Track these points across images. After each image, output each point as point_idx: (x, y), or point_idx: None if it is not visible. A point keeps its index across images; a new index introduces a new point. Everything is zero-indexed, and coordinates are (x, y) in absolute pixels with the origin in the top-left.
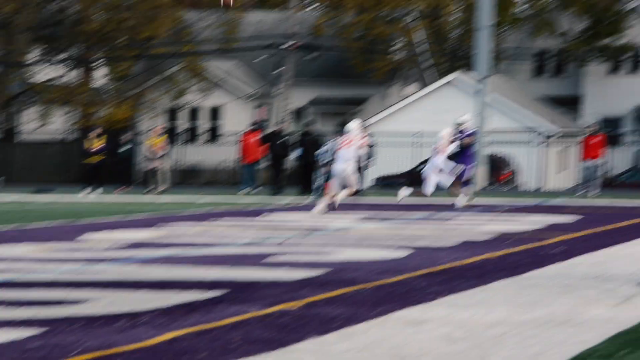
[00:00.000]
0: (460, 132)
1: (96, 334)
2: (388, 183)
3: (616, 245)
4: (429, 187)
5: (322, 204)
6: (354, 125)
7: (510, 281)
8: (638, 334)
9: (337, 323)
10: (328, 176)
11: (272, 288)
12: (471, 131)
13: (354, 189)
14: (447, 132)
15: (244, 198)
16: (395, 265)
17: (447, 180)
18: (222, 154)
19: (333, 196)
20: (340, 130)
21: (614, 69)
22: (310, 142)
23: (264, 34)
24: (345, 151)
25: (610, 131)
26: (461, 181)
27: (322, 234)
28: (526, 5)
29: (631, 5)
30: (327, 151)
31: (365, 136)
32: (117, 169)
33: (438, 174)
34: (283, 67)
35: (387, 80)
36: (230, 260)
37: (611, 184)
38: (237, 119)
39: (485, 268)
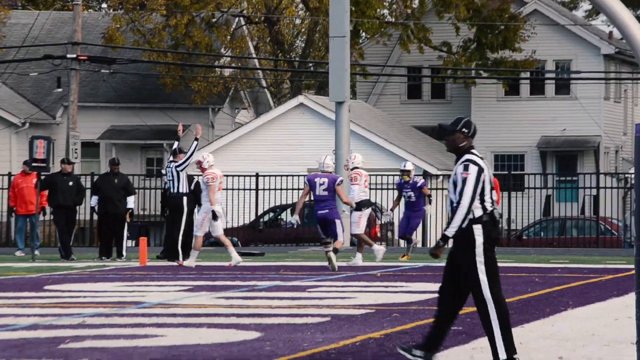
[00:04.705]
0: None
1: None
2: (217, 240)
3: (531, 323)
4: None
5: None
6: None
7: None
8: None
9: None
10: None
11: None
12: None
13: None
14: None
15: (20, 263)
16: (244, 350)
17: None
18: None
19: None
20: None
21: (511, 92)
22: (117, 187)
23: (37, 41)
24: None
25: (507, 173)
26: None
27: (138, 310)
28: (394, 6)
29: (529, 8)
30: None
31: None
32: None
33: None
34: (62, 89)
35: (210, 104)
36: (13, 350)
37: (516, 241)
38: (0, 156)
39: (364, 353)
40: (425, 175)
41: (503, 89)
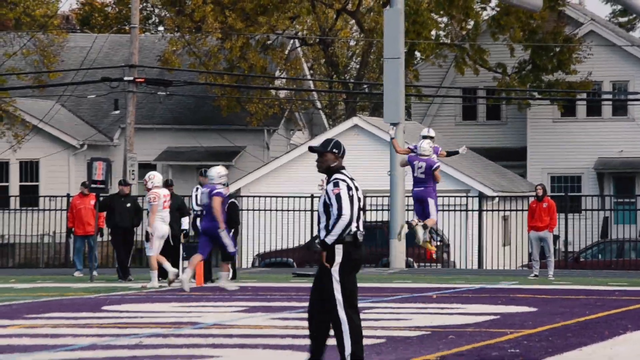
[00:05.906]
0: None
1: None
2: (272, 262)
3: (590, 346)
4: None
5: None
6: None
7: None
8: None
9: None
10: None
11: None
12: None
13: None
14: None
15: (78, 283)
16: None
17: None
18: (42, 224)
19: None
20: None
21: (567, 113)
22: (172, 208)
23: (95, 64)
24: None
25: (564, 194)
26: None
27: (194, 331)
28: (449, 28)
29: (584, 29)
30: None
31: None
32: None
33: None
34: (119, 111)
35: (265, 126)
36: None
37: (573, 263)
38: (59, 177)
39: None
40: (481, 196)
41: (559, 111)
